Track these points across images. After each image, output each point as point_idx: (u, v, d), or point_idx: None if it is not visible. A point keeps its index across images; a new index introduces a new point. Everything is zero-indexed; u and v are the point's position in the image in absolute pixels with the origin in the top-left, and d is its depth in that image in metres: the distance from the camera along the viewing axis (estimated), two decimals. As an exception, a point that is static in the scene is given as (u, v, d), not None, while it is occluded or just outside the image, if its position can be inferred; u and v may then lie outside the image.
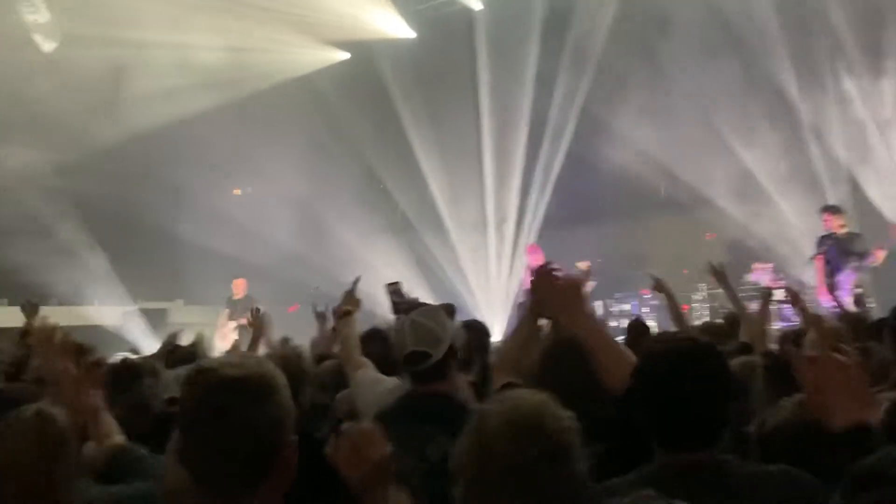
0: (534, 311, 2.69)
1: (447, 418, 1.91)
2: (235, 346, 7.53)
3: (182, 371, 3.61)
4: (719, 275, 4.87)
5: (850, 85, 10.07)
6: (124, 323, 11.31)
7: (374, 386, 3.16)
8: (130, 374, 3.32)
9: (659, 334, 2.00)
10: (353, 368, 3.31)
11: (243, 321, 9.45)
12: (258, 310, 5.25)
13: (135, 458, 2.36)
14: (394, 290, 4.27)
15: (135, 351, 6.29)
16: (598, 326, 2.47)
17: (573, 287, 2.41)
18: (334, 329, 4.70)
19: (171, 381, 3.42)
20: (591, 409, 1.84)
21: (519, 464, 1.54)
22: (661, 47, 10.67)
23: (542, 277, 2.54)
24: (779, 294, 6.86)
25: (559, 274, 2.48)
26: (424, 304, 5.37)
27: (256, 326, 5.03)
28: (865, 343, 3.45)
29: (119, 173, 11.73)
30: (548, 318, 2.79)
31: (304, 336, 5.95)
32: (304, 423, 2.89)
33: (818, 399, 1.59)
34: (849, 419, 1.50)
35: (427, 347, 2.45)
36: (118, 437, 2.43)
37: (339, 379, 3.60)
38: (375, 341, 3.87)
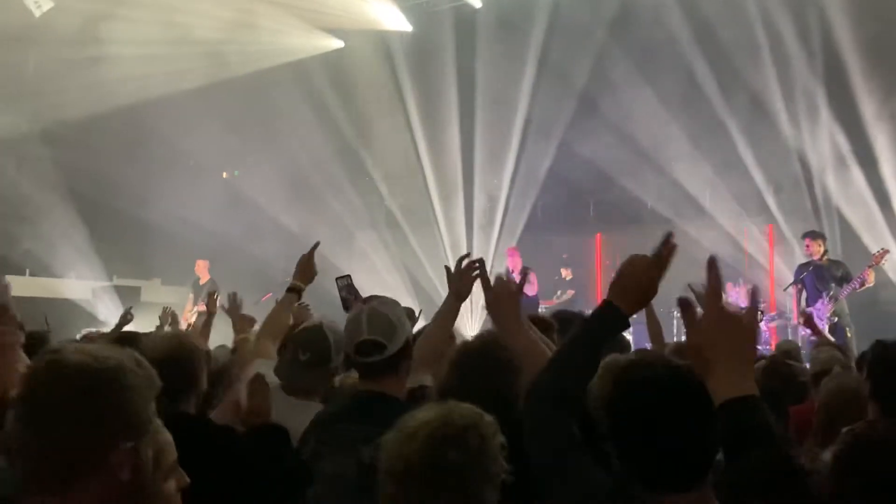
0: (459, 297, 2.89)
1: (389, 420, 1.81)
2: (195, 330, 7.41)
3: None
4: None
5: (834, 112, 9.92)
6: (94, 298, 11.13)
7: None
8: None
9: (633, 359, 1.74)
10: (255, 356, 3.16)
11: (203, 307, 9.25)
12: (214, 293, 5.27)
13: None
14: (344, 284, 4.10)
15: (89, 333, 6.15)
16: (528, 333, 2.42)
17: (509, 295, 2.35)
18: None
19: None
20: (503, 418, 1.80)
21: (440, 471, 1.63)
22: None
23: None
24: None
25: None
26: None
27: (210, 311, 5.21)
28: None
29: (105, 146, 11.55)
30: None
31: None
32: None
33: (704, 355, 1.63)
34: (730, 391, 1.58)
35: (383, 338, 2.28)
36: None
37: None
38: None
